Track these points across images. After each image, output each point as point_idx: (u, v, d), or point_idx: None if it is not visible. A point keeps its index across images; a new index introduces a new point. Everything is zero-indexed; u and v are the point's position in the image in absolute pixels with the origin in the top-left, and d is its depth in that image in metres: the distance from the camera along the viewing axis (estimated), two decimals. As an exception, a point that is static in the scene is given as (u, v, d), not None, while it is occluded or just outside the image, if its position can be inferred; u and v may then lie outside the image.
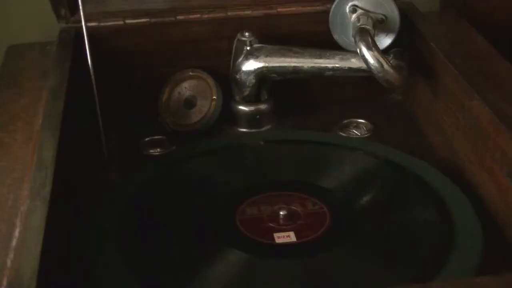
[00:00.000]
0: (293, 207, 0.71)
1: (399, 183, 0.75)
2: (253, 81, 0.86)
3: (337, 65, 0.83)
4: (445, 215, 0.69)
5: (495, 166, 0.69)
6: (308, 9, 0.91)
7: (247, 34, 0.86)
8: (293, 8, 0.91)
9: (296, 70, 0.84)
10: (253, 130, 0.88)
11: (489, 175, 0.70)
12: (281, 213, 0.70)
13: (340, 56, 0.83)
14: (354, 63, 0.83)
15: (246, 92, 0.87)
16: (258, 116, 0.88)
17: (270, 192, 0.74)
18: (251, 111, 0.88)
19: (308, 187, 0.75)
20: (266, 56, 0.85)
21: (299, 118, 0.90)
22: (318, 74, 0.85)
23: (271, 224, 0.69)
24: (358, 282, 0.63)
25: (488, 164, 0.70)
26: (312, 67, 0.84)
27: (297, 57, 0.84)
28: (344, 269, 0.64)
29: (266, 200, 0.73)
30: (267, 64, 0.85)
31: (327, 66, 0.84)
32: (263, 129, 0.88)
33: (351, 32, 0.83)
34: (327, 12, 0.87)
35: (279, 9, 0.90)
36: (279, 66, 0.85)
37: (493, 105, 0.70)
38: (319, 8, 0.91)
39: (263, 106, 0.88)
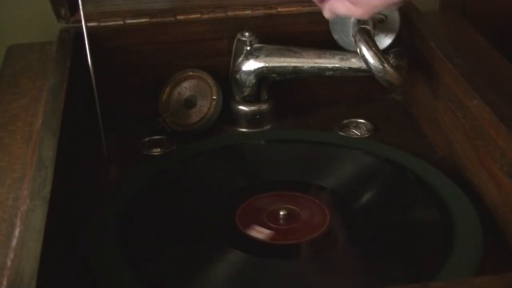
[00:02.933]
0: (293, 207, 0.71)
1: (399, 183, 0.75)
2: (253, 81, 0.86)
3: (337, 65, 0.83)
4: (445, 215, 0.69)
5: (495, 166, 0.69)
6: (308, 9, 0.91)
7: (247, 34, 0.86)
8: (293, 8, 0.91)
9: (296, 70, 0.84)
10: (253, 130, 0.88)
11: (489, 175, 0.70)
12: (281, 213, 0.70)
13: (340, 56, 0.83)
14: (354, 63, 0.83)
15: (246, 92, 0.87)
16: (258, 116, 0.88)
17: (270, 192, 0.74)
18: (251, 111, 0.88)
19: (308, 187, 0.75)
20: (266, 56, 0.85)
21: (299, 118, 0.90)
22: (318, 74, 0.85)
23: (271, 224, 0.69)
24: (358, 281, 0.63)
25: (488, 164, 0.70)
26: (312, 67, 0.84)
27: (297, 57, 0.84)
28: (344, 268, 0.64)
29: (266, 200, 0.73)
30: (267, 64, 0.85)
31: (327, 66, 0.84)
32: (263, 129, 0.88)
33: (351, 32, 0.83)
34: (327, 12, 0.87)
35: (279, 9, 0.90)
36: (279, 66, 0.85)
37: (493, 105, 0.70)
38: (319, 8, 0.91)
39: (263, 106, 0.88)
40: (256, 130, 0.88)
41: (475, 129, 0.73)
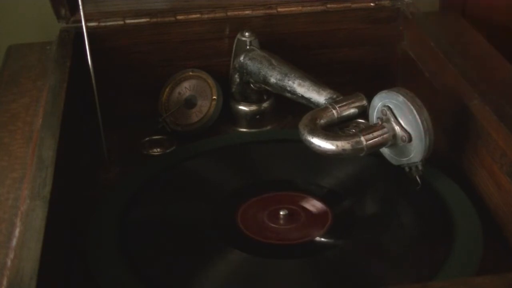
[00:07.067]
0: (294, 207, 0.71)
1: (399, 183, 0.75)
2: (237, 80, 0.85)
3: (294, 89, 0.80)
4: (445, 215, 0.69)
5: (495, 166, 0.69)
6: (308, 9, 0.91)
7: (247, 34, 0.86)
8: (293, 8, 0.91)
9: (265, 81, 0.83)
10: (253, 130, 0.88)
11: (489, 175, 0.70)
12: (281, 213, 0.70)
13: (299, 81, 0.79)
14: (307, 92, 0.78)
15: (233, 89, 0.87)
16: (258, 116, 0.88)
17: (270, 191, 0.74)
18: (251, 111, 0.88)
19: (309, 187, 0.75)
20: (250, 59, 0.84)
21: (299, 118, 0.90)
22: (281, 92, 0.82)
23: (271, 224, 0.69)
24: (358, 281, 0.63)
25: (488, 164, 0.70)
26: (276, 83, 0.82)
27: (270, 69, 0.82)
28: (344, 268, 0.64)
29: (266, 199, 0.73)
30: (246, 67, 0.84)
31: (285, 87, 0.81)
32: (263, 129, 0.88)
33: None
34: (327, 12, 0.87)
35: (279, 9, 0.90)
36: (253, 72, 0.84)
37: (493, 105, 0.70)
38: (319, 8, 0.91)
39: (263, 106, 0.88)
40: (256, 130, 0.88)
41: (475, 129, 0.73)
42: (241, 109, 0.88)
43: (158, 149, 0.84)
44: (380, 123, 0.71)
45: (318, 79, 0.79)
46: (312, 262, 0.65)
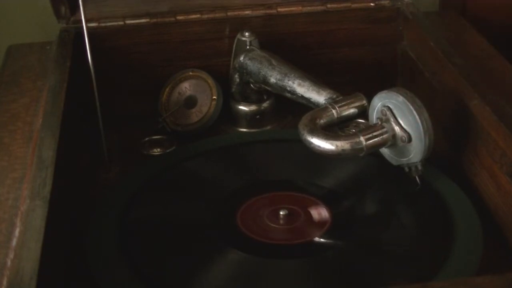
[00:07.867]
0: (294, 207, 0.71)
1: (399, 183, 0.75)
2: (237, 80, 0.85)
3: (294, 90, 0.80)
4: (445, 215, 0.69)
5: (495, 166, 0.69)
6: (308, 9, 0.91)
7: (247, 34, 0.86)
8: (293, 8, 0.91)
9: (265, 81, 0.83)
10: (253, 130, 0.88)
11: (489, 175, 0.70)
12: (281, 212, 0.70)
13: (299, 81, 0.79)
14: (307, 92, 0.78)
15: (233, 88, 0.87)
16: (258, 116, 0.88)
17: (270, 191, 0.74)
18: (251, 111, 0.88)
19: (309, 187, 0.75)
20: (250, 59, 0.84)
21: (299, 118, 0.90)
22: (281, 92, 0.82)
23: (271, 224, 0.69)
24: (358, 281, 0.63)
25: (488, 164, 0.70)
26: (276, 83, 0.82)
27: (270, 69, 0.82)
28: (344, 268, 0.64)
29: (266, 199, 0.73)
30: (246, 67, 0.84)
31: (285, 87, 0.81)
32: (263, 129, 0.88)
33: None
34: (327, 12, 0.87)
35: (279, 9, 0.90)
36: (253, 72, 0.84)
37: (493, 105, 0.70)
38: (319, 8, 0.91)
39: (263, 106, 0.88)
40: (256, 130, 0.88)
41: (475, 129, 0.73)
42: (241, 109, 0.88)
43: (158, 149, 0.84)
44: (379, 123, 0.71)
45: (318, 79, 0.79)
46: (312, 262, 0.65)
